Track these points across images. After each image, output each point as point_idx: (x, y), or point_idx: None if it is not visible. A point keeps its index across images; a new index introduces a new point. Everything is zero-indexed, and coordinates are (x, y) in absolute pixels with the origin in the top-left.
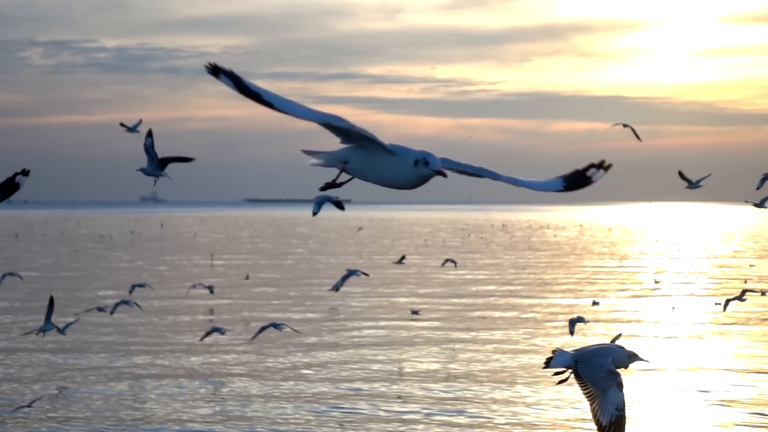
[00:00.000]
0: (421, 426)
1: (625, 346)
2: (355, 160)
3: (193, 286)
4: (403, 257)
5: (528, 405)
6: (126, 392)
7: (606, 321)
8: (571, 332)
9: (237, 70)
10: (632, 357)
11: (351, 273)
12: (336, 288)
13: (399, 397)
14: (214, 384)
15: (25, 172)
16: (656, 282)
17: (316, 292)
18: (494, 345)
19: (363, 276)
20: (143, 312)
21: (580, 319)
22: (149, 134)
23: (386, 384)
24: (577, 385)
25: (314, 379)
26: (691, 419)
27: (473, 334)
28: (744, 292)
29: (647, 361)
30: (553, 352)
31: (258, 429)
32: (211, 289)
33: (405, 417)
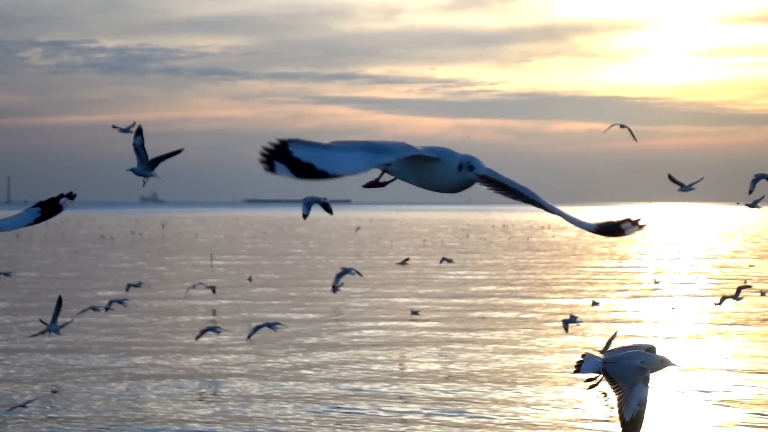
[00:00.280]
0: (421, 426)
1: (657, 351)
2: (397, 162)
3: (193, 287)
4: (406, 259)
5: (528, 405)
6: (126, 392)
7: (606, 321)
8: (566, 329)
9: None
10: (664, 362)
11: (345, 271)
12: (334, 288)
13: (399, 398)
14: (215, 384)
15: (71, 196)
16: (656, 282)
17: (316, 292)
18: (494, 345)
19: (357, 276)
20: (143, 312)
21: (573, 319)
22: (138, 132)
23: (386, 384)
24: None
25: (314, 380)
26: (691, 419)
27: (473, 334)
28: (740, 289)
29: (679, 366)
30: (583, 356)
31: (258, 429)
32: (213, 288)
33: (405, 417)
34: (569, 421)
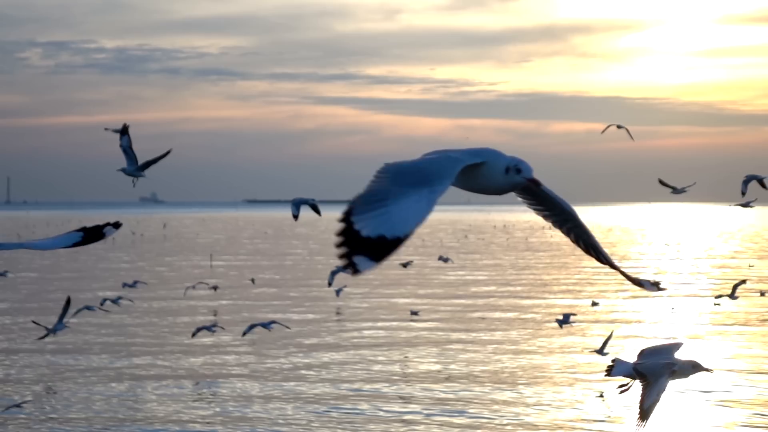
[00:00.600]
0: (421, 427)
1: (688, 356)
2: None
3: (193, 287)
4: (410, 262)
5: (528, 405)
6: (126, 393)
7: (605, 321)
8: (561, 326)
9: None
10: (696, 367)
11: (340, 269)
12: (330, 284)
13: (399, 398)
14: (215, 385)
15: (116, 225)
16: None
17: (316, 292)
18: (494, 346)
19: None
20: (143, 313)
21: (566, 319)
22: (124, 133)
23: (387, 384)
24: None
25: (315, 380)
26: (691, 419)
27: (473, 334)
28: (735, 288)
29: (711, 371)
30: (613, 361)
31: (258, 429)
32: (215, 287)
33: (405, 417)
34: (569, 421)
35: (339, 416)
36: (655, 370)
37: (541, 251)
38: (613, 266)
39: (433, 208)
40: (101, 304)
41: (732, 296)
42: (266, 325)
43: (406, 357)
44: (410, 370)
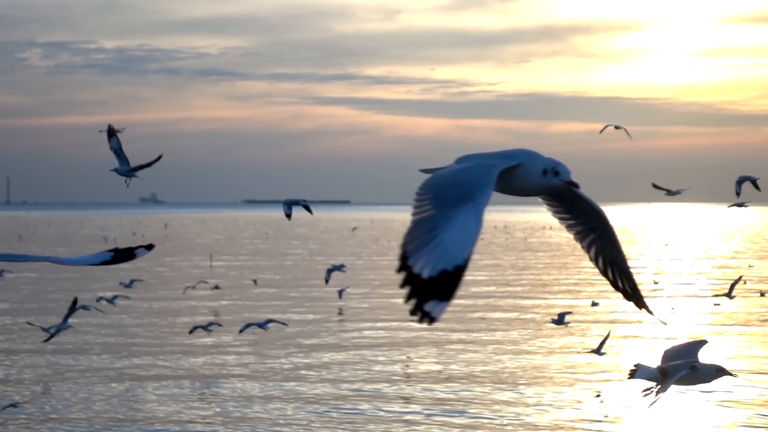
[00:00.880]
0: (422, 427)
1: (713, 359)
2: None
3: (193, 287)
4: None
5: (528, 406)
6: (127, 393)
7: (605, 322)
8: (557, 325)
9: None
10: (720, 371)
11: (335, 268)
12: (327, 281)
13: (400, 398)
14: (215, 385)
15: (149, 247)
16: (656, 282)
17: (316, 293)
18: (494, 346)
19: (348, 271)
20: (144, 313)
21: (561, 318)
22: (112, 135)
23: (387, 385)
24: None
25: (315, 380)
26: (692, 419)
27: (474, 335)
28: (733, 286)
29: (735, 376)
30: (635, 366)
31: (259, 430)
32: (217, 286)
33: (406, 418)
34: (570, 421)
35: (339, 416)
36: (677, 368)
37: (541, 251)
38: (627, 295)
39: (482, 221)
40: (97, 301)
41: (729, 295)
42: (262, 325)
43: (406, 357)
44: (411, 371)
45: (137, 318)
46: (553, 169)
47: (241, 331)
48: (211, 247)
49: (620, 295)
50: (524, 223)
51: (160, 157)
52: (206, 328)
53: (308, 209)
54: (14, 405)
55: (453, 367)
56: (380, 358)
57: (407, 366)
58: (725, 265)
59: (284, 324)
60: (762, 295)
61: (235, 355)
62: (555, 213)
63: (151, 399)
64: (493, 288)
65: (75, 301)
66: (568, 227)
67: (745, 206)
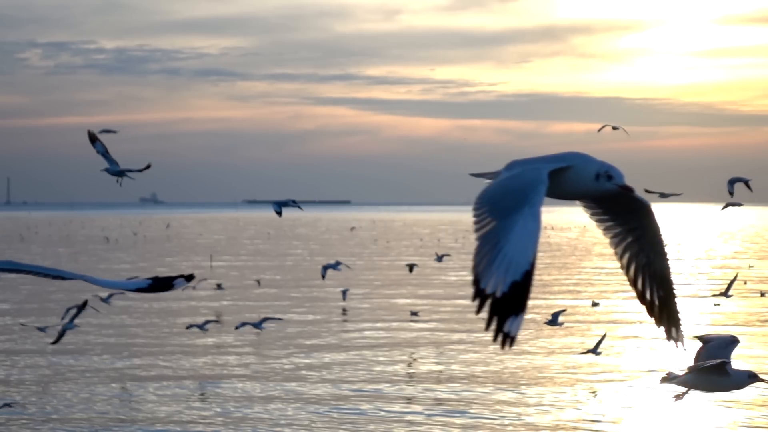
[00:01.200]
0: (423, 427)
1: (743, 366)
2: None
3: (193, 287)
4: (414, 265)
5: (529, 406)
6: (127, 393)
7: (606, 322)
8: (550, 326)
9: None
10: (753, 377)
11: (330, 266)
12: (323, 277)
13: (401, 398)
14: (216, 385)
15: (189, 278)
16: None
17: (317, 293)
18: (495, 346)
19: (345, 269)
20: (144, 313)
21: (554, 319)
22: (94, 140)
23: (388, 385)
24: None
25: (316, 381)
26: (692, 419)
27: (474, 335)
28: (730, 285)
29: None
30: (667, 374)
31: (260, 430)
32: (219, 285)
33: (407, 418)
34: (570, 421)
35: (340, 417)
36: (716, 355)
37: (541, 251)
38: (651, 311)
39: (540, 221)
40: (98, 297)
41: (726, 294)
42: (257, 325)
43: (407, 357)
44: (411, 371)
45: (138, 318)
46: (606, 173)
47: (237, 327)
48: (211, 248)
49: (639, 303)
50: None
51: (149, 166)
52: (202, 327)
53: (297, 206)
54: (15, 405)
55: (454, 367)
56: (381, 359)
57: (406, 366)
58: (725, 265)
59: (279, 319)
60: (762, 295)
61: (235, 355)
62: (593, 215)
63: (152, 399)
64: None
65: (85, 303)
66: (606, 230)
67: (740, 206)
